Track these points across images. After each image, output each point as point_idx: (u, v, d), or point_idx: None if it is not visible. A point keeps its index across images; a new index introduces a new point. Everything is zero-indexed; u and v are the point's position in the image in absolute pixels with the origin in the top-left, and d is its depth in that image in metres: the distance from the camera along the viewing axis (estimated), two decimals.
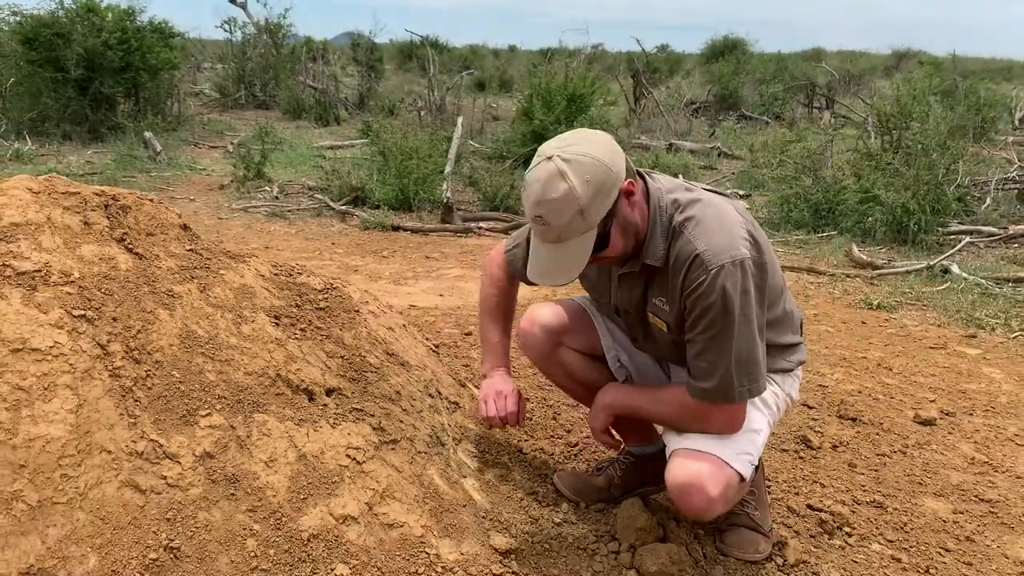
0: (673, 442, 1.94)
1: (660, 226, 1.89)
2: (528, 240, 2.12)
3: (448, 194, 7.51)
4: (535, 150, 1.84)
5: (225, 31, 17.24)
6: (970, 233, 7.34)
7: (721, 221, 1.85)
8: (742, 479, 1.90)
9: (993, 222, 7.81)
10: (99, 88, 11.27)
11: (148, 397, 1.65)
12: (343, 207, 7.70)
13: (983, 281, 5.79)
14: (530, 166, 1.81)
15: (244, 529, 1.60)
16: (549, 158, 1.76)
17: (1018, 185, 9.08)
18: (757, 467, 2.25)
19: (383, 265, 5.96)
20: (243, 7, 17.54)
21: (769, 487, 2.62)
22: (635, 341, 2.19)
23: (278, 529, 1.65)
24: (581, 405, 2.81)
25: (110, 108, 11.67)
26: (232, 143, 11.15)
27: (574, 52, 17.41)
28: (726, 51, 25.69)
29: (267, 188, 8.55)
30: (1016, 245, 7.26)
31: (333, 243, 6.65)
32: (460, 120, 9.21)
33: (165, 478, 1.58)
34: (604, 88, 12.11)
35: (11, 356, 1.53)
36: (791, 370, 2.12)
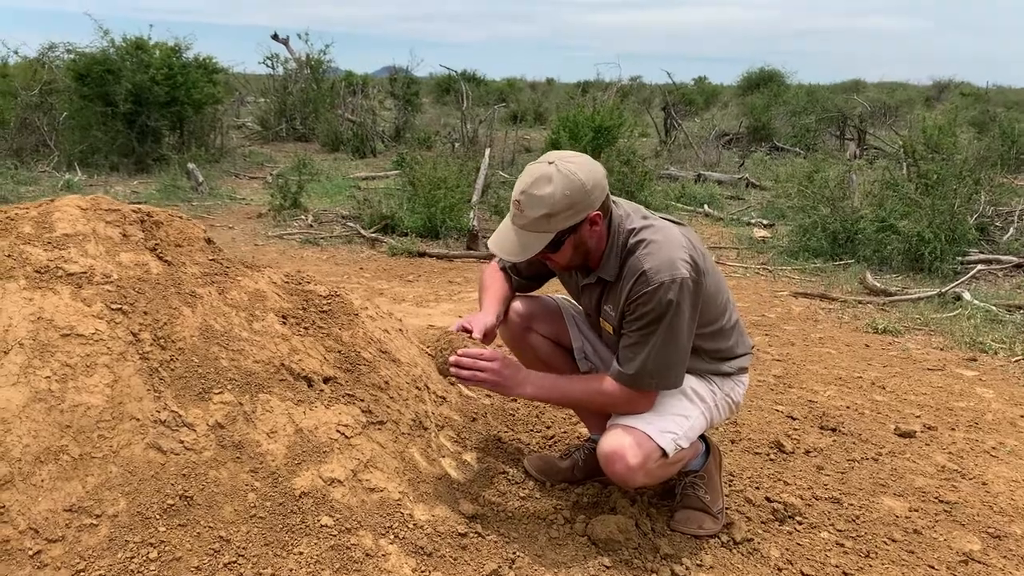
0: (612, 419, 2.27)
1: (616, 249, 2.23)
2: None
3: (474, 222, 7.84)
4: None
5: (268, 67, 17.88)
6: (987, 262, 7.43)
7: (667, 245, 2.17)
8: (664, 455, 2.20)
9: (1015, 252, 7.88)
10: (146, 121, 11.81)
11: (171, 377, 2.00)
12: (373, 234, 8.04)
13: (993, 308, 5.88)
14: (535, 160, 2.17)
15: (246, 485, 1.93)
16: (550, 163, 2.12)
17: None
18: (707, 454, 2.55)
19: (407, 288, 6.26)
20: (285, 43, 18.22)
21: (732, 482, 2.86)
22: (599, 337, 2.53)
23: (275, 487, 1.98)
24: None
25: (156, 140, 12.20)
26: (271, 174, 11.62)
27: (608, 85, 17.77)
28: (762, 83, 25.74)
29: (303, 217, 8.94)
30: None
31: (361, 268, 6.97)
32: (488, 151, 9.57)
33: (183, 442, 1.92)
34: (634, 120, 12.42)
35: (61, 339, 1.89)
36: (731, 374, 2.43)
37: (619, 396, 2.21)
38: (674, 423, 2.24)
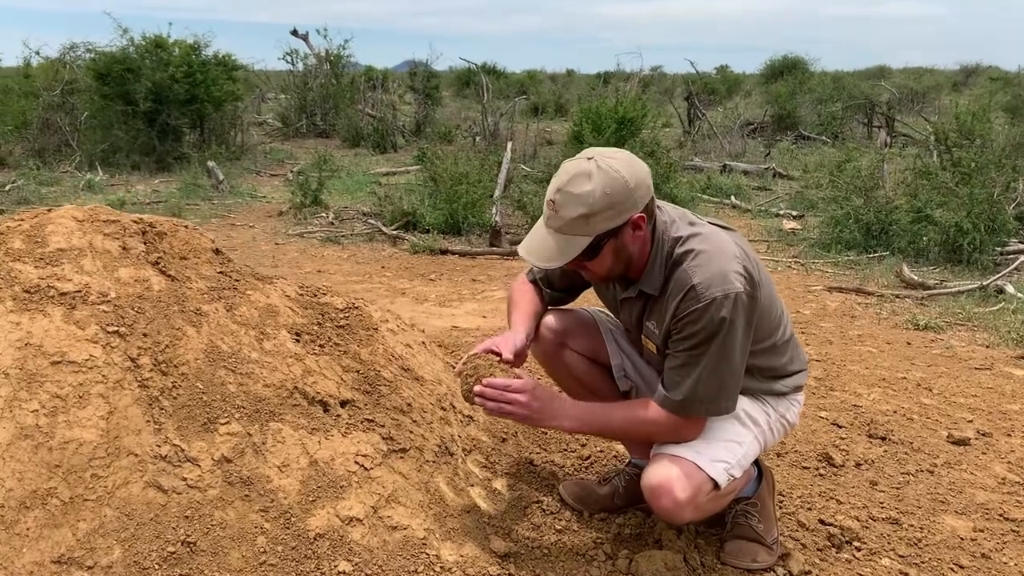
0: (656, 447, 2.07)
1: (660, 259, 2.02)
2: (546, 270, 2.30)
3: (497, 218, 7.66)
4: None
5: (287, 63, 17.77)
6: None
7: (718, 255, 1.96)
8: (716, 486, 2.00)
9: None
10: (166, 120, 11.77)
11: (173, 406, 1.82)
12: (394, 232, 7.89)
13: None
14: (571, 157, 1.97)
15: (255, 527, 1.75)
16: (589, 158, 1.92)
17: None
18: (760, 479, 2.34)
19: (430, 288, 6.10)
20: (304, 39, 18.11)
21: (782, 502, 2.66)
22: (640, 354, 2.32)
23: (287, 528, 1.80)
24: None
25: (176, 139, 12.17)
26: (292, 171, 11.51)
27: (630, 76, 17.52)
28: (785, 71, 25.36)
29: (323, 214, 8.81)
30: None
31: (383, 267, 6.82)
32: (509, 145, 9.38)
33: (185, 480, 1.74)
34: (656, 111, 12.16)
35: (51, 367, 1.72)
36: (786, 394, 2.22)
37: (665, 424, 2.00)
38: (726, 451, 2.03)
